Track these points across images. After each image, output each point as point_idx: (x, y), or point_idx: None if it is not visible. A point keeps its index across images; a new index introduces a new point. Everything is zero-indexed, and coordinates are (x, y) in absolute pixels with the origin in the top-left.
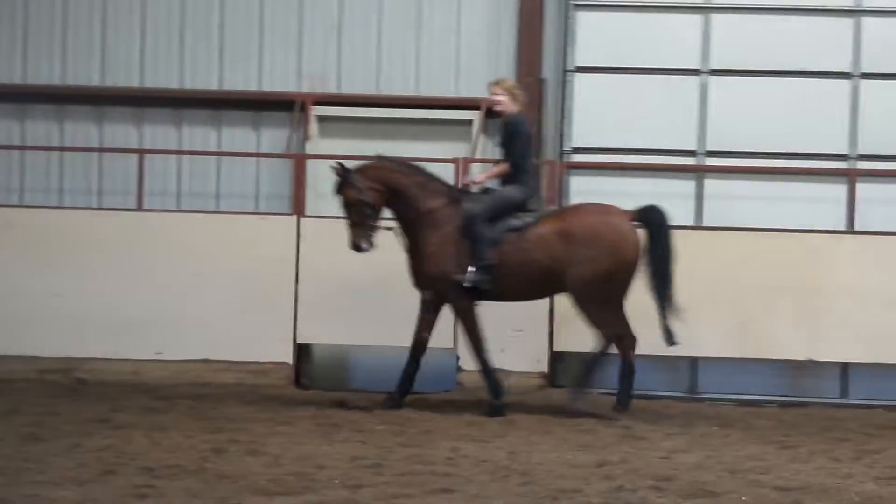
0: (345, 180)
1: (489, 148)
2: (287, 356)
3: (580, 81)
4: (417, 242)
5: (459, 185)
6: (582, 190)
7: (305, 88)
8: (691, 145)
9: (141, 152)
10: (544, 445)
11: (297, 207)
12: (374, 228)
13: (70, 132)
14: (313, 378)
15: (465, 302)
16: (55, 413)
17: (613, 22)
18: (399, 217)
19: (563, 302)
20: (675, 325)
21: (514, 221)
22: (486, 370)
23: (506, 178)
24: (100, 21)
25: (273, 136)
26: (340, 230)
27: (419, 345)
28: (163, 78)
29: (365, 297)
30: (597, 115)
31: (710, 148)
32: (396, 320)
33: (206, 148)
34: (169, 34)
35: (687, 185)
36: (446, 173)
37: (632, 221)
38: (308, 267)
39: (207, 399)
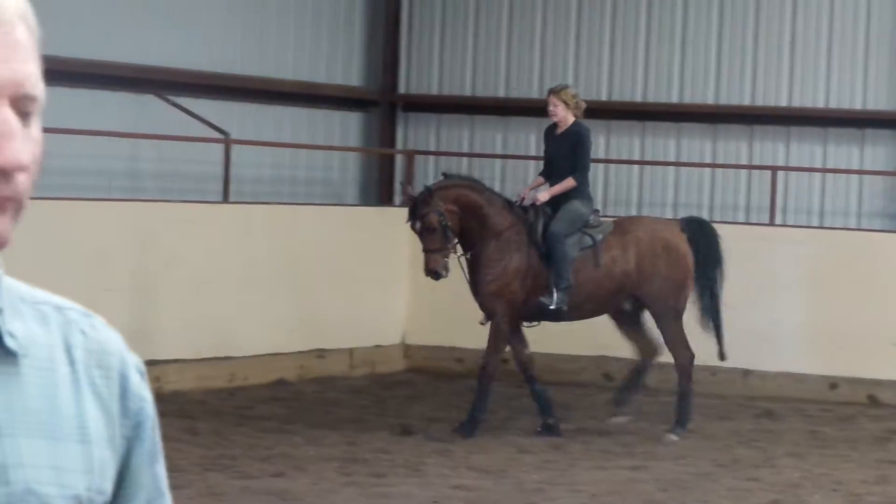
0: (427, 204)
1: None
2: None
3: None
4: (486, 262)
5: (518, 201)
6: None
7: None
8: None
9: (824, 171)
10: None
11: None
12: (449, 253)
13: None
14: None
15: (506, 327)
16: None
17: None
18: (469, 238)
19: None
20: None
21: (586, 238)
22: (541, 394)
23: (568, 192)
24: (714, 40)
25: None
26: None
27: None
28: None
29: None
30: None
31: None
32: None
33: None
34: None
35: None
36: None
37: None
38: None
39: None
